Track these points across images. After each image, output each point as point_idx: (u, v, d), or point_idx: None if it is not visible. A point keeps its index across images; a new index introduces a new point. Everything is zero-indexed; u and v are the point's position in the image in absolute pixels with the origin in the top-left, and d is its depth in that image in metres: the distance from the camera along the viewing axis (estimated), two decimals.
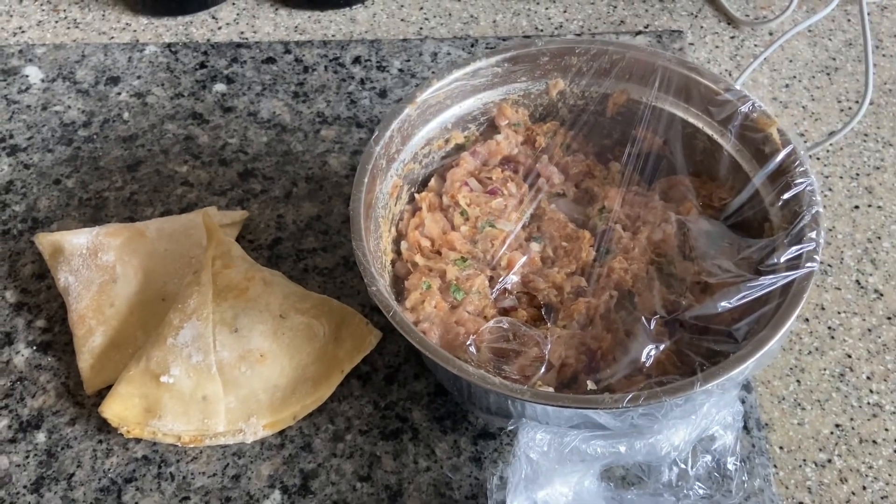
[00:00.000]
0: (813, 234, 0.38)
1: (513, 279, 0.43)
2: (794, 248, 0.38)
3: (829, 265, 0.55)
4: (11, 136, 0.62)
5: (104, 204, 0.58)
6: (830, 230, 0.57)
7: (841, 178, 0.59)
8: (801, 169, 0.40)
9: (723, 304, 0.38)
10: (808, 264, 0.37)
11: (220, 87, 0.65)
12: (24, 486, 0.45)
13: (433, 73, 0.61)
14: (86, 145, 0.61)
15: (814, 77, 0.66)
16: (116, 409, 0.46)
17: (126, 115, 0.63)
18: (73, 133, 0.62)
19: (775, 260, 0.38)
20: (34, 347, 0.50)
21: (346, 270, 0.54)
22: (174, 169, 0.60)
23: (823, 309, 0.53)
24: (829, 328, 0.52)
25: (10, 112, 0.63)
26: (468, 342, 0.39)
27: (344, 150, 0.61)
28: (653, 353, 0.38)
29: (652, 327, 0.39)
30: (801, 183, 0.39)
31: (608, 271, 0.42)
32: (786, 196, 0.39)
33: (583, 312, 0.41)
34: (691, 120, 0.46)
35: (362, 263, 0.38)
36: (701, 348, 0.38)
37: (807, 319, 0.52)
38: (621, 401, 0.33)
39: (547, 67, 0.48)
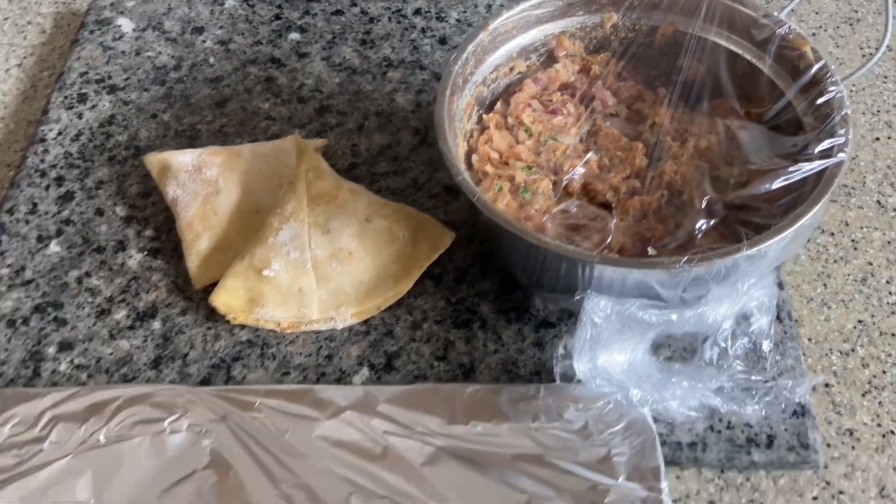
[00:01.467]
0: (842, 131, 0.44)
1: (574, 182, 0.49)
2: (827, 141, 0.44)
3: (853, 188, 0.60)
4: (110, 78, 0.69)
5: (197, 135, 0.65)
6: (854, 158, 0.63)
7: (863, 114, 0.65)
8: (832, 79, 0.46)
9: (765, 186, 0.44)
10: (839, 154, 0.43)
11: (294, 35, 0.71)
12: (145, 364, 0.52)
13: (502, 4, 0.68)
14: (177, 85, 0.68)
15: (838, 27, 0.72)
16: (224, 299, 0.52)
17: (212, 60, 0.70)
18: (165, 75, 0.69)
19: (810, 151, 0.44)
20: (145, 253, 0.57)
21: (416, 191, 0.60)
22: (257, 105, 0.66)
23: (847, 225, 0.58)
24: (853, 241, 0.57)
25: (106, 57, 0.71)
26: (543, 219, 0.45)
27: (409, 89, 0.67)
28: (703, 227, 0.44)
29: (703, 207, 0.44)
30: (832, 91, 0.45)
31: (660, 174, 0.48)
32: (818, 102, 0.45)
33: (637, 208, 0.47)
34: (733, 47, 0.51)
35: (448, 157, 0.45)
36: (746, 224, 0.44)
37: (832, 234, 0.58)
38: (678, 261, 0.39)
39: (602, 2, 0.54)
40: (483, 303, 0.54)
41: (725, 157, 0.47)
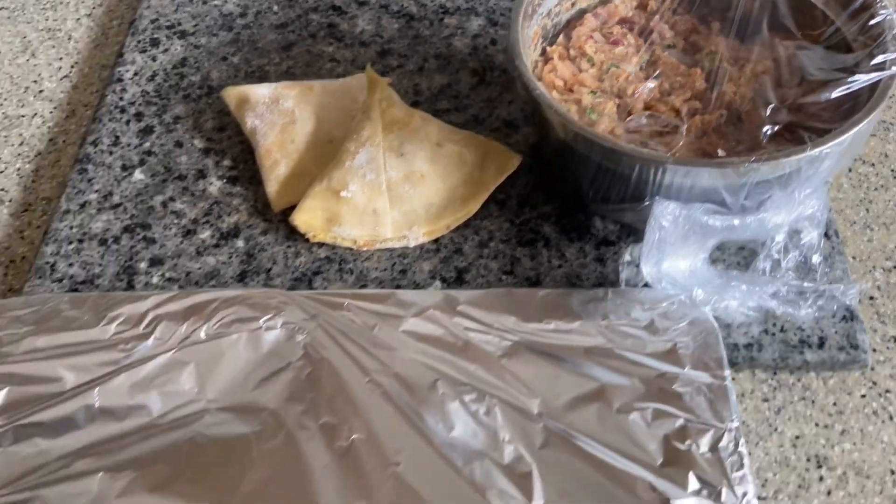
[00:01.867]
0: (894, 47, 0.47)
1: (638, 105, 0.52)
2: (880, 56, 0.47)
3: (892, 122, 0.64)
4: (179, 24, 0.72)
5: (266, 76, 0.68)
6: (891, 97, 0.65)
7: None
8: (882, 3, 0.49)
9: (825, 95, 0.47)
10: (893, 67, 0.46)
11: None
12: (231, 278, 0.55)
13: None
14: (244, 31, 0.72)
15: None
16: (304, 219, 0.56)
17: (276, 8, 0.73)
18: (232, 21, 0.72)
19: (864, 66, 0.47)
20: (224, 180, 0.61)
21: (476, 125, 0.63)
22: (322, 49, 0.70)
23: (887, 157, 0.61)
24: (892, 170, 0.61)
25: (174, 6, 0.74)
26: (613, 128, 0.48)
27: (465, 34, 0.70)
28: (769, 132, 0.47)
29: (767, 114, 0.47)
30: (882, 14, 0.48)
31: (719, 95, 0.51)
32: (870, 23, 0.48)
33: (699, 126, 0.50)
34: None
35: (524, 74, 0.48)
36: (809, 129, 0.47)
37: (873, 164, 0.61)
38: (748, 160, 0.42)
39: None
40: (545, 224, 0.57)
41: (784, 75, 0.51)
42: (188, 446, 0.44)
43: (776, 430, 0.49)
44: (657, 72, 0.54)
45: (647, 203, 0.46)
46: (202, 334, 0.48)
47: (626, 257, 0.49)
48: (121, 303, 0.50)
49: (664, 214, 0.45)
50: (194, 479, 0.43)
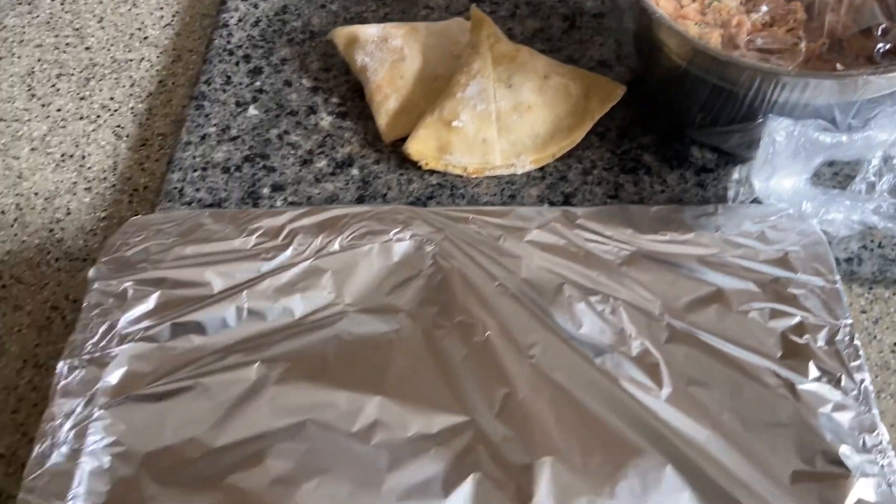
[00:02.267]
0: None
1: (740, 36, 0.55)
2: None
3: None
4: None
5: (364, 21, 0.71)
6: None
7: None
8: None
9: None
10: None
11: None
12: (349, 202, 0.59)
13: None
14: None
15: None
16: (417, 147, 0.59)
17: None
18: None
19: None
20: (334, 115, 0.64)
21: (571, 65, 0.66)
22: None
23: None
24: None
25: None
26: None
27: None
28: (882, 49, 0.50)
29: (878, 34, 0.50)
30: None
31: (820, 25, 0.53)
32: None
33: (802, 53, 0.53)
34: None
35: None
36: None
37: None
38: (867, 72, 0.45)
39: None
40: (646, 153, 0.60)
41: (881, 9, 0.53)
42: (334, 342, 0.47)
43: (875, 338, 0.52)
44: (758, 6, 0.56)
45: (759, 121, 0.49)
46: (336, 245, 0.51)
47: (735, 175, 0.52)
48: (258, 217, 0.53)
49: (778, 130, 0.48)
50: (343, 371, 0.46)
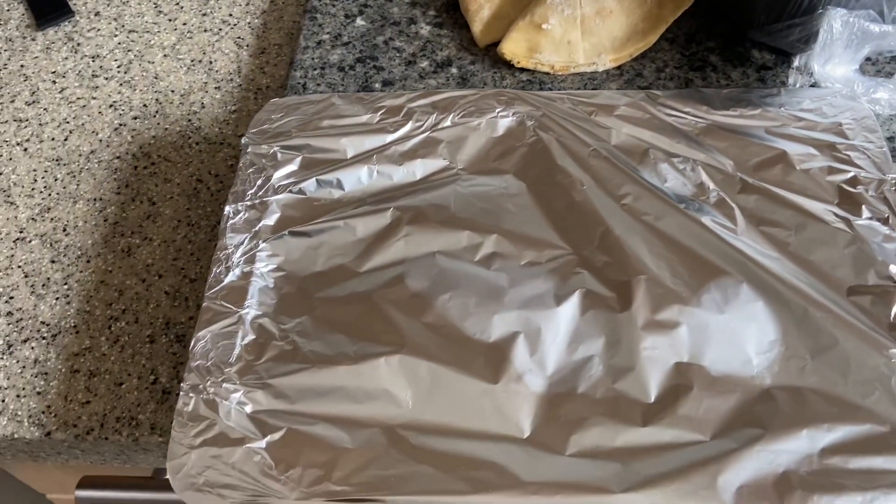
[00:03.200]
0: None
1: None
2: None
3: None
4: None
5: None
6: None
7: None
8: None
9: None
10: None
11: None
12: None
13: None
14: None
15: None
16: (510, 48, 0.67)
17: None
18: None
19: None
20: (432, 25, 0.72)
21: None
22: None
23: None
24: None
25: None
26: None
27: None
28: None
29: None
30: None
31: None
32: None
33: None
34: None
35: None
36: None
37: None
38: None
39: None
40: (711, 55, 0.68)
41: None
42: (452, 195, 0.56)
43: None
44: None
45: (819, 12, 0.56)
46: (448, 122, 0.60)
47: (795, 63, 0.60)
48: (381, 98, 0.61)
49: (836, 17, 0.55)
50: (462, 216, 0.55)
